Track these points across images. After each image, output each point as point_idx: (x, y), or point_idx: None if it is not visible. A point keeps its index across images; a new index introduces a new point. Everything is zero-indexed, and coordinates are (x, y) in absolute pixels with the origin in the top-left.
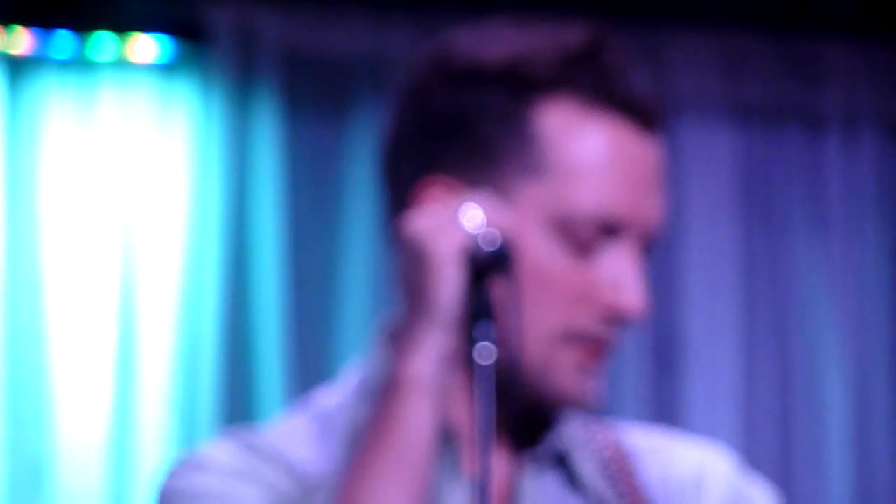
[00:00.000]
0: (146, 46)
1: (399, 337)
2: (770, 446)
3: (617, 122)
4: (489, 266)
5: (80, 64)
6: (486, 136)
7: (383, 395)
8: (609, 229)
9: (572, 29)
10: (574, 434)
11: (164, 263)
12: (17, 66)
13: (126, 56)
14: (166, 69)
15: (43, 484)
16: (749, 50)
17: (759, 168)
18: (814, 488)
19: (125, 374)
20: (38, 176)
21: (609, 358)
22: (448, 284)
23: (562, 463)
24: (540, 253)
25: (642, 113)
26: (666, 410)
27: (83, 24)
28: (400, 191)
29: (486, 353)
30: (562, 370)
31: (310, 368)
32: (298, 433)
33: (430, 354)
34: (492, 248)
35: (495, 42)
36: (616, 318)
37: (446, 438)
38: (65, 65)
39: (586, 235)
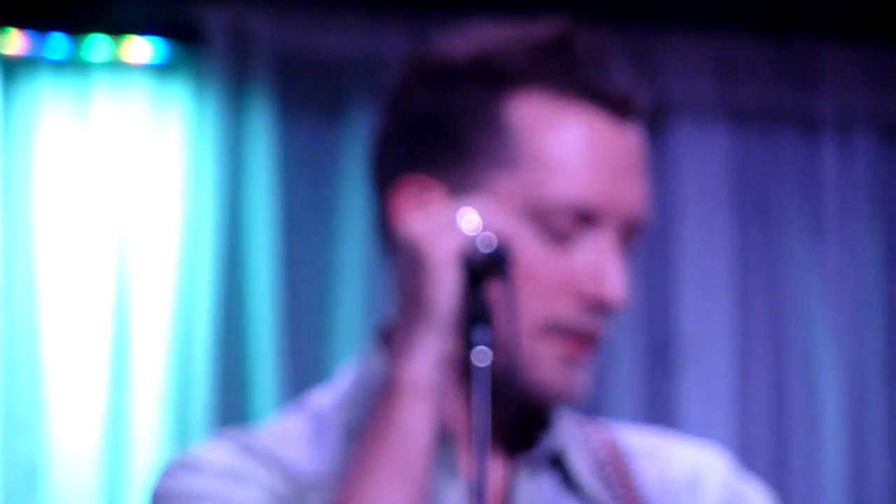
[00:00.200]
0: (140, 48)
1: (396, 340)
2: (764, 445)
3: (590, 112)
4: (486, 269)
5: (75, 65)
6: (460, 132)
7: (381, 399)
8: (586, 218)
9: (544, 22)
10: (569, 434)
11: (158, 265)
12: (12, 67)
13: (120, 57)
14: (160, 70)
15: (37, 486)
16: (744, 53)
17: (754, 171)
18: (808, 487)
19: (119, 376)
20: (33, 177)
21: (597, 351)
22: (445, 287)
23: (557, 464)
24: (517, 245)
25: (617, 102)
26: (661, 409)
27: (77, 25)
28: (383, 191)
29: (482, 356)
30: (546, 363)
31: (304, 369)
32: (292, 434)
33: (428, 357)
34: (488, 252)
35: (467, 40)
36: (597, 307)
37: (443, 439)
38: (59, 66)
39: (563, 225)
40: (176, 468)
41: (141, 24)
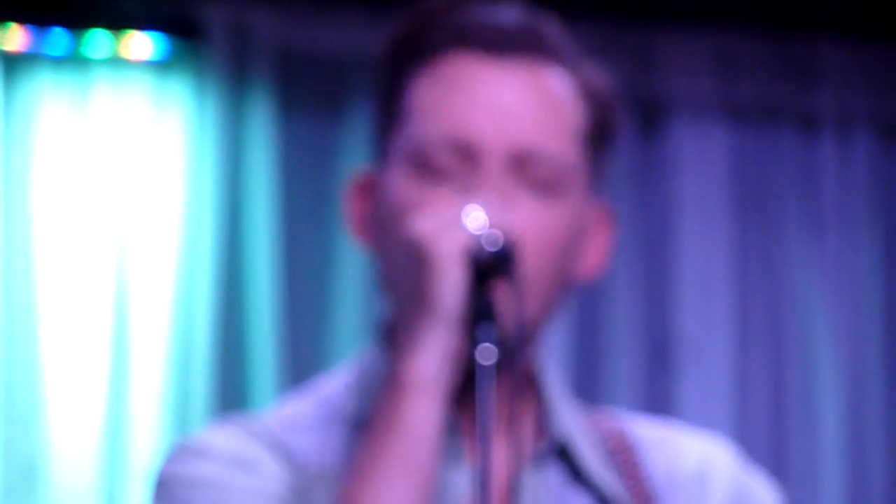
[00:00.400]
0: (140, 44)
1: (401, 336)
2: (763, 443)
3: (461, 56)
4: (491, 267)
5: (75, 61)
6: (379, 117)
7: (386, 394)
8: (464, 152)
9: None
10: (576, 424)
11: (157, 261)
12: (12, 63)
13: (120, 53)
14: (160, 67)
15: (36, 482)
16: (743, 50)
17: (753, 169)
18: (807, 484)
19: (118, 371)
20: (33, 172)
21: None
22: (451, 285)
23: (563, 455)
24: (397, 187)
25: (490, 41)
26: (660, 407)
27: (78, 21)
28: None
29: (487, 353)
30: None
31: (303, 365)
32: (299, 420)
33: (434, 354)
34: (494, 250)
35: (390, 29)
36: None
37: (449, 427)
38: (59, 61)
39: (446, 163)
40: (182, 453)
41: (141, 19)
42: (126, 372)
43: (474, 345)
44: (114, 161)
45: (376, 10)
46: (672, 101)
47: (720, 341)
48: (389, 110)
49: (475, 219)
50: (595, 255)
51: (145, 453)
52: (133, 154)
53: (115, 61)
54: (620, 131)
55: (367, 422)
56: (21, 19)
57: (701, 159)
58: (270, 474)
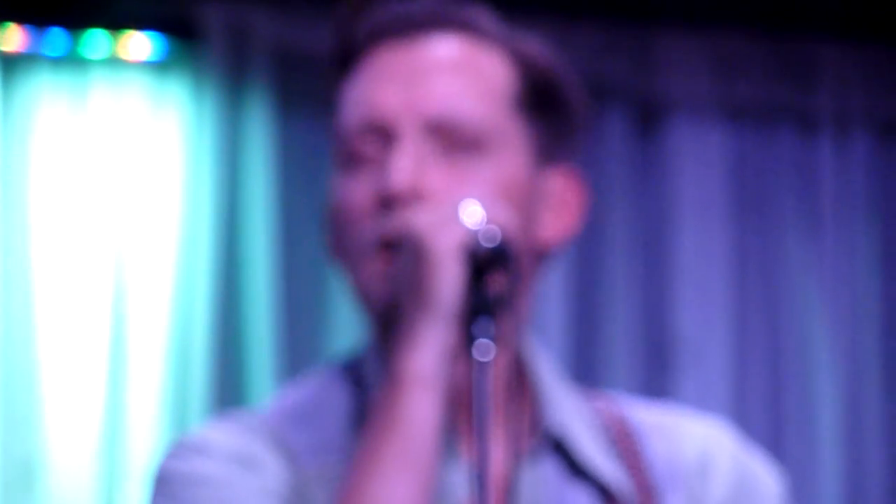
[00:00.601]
0: (138, 44)
1: (399, 331)
2: (762, 442)
3: (381, 48)
4: (489, 263)
5: (73, 61)
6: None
7: (385, 390)
8: (380, 133)
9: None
10: (575, 413)
11: (155, 261)
12: (10, 63)
13: (118, 53)
14: (159, 67)
15: (34, 481)
16: (741, 50)
17: (750, 169)
18: (806, 482)
19: (116, 371)
20: (31, 172)
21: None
22: (448, 280)
23: (561, 448)
24: (336, 190)
25: (396, 27)
26: None
27: (76, 22)
28: None
29: (484, 349)
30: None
31: (301, 364)
32: (298, 415)
33: (432, 349)
34: (492, 245)
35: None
36: (385, 203)
37: (446, 426)
38: (58, 62)
39: (364, 149)
40: (182, 450)
41: (139, 20)
42: (124, 371)
43: (471, 341)
44: (112, 161)
45: None
46: (670, 101)
47: (718, 341)
48: (334, 124)
49: (472, 214)
50: (561, 220)
51: (143, 453)
52: (131, 154)
53: (114, 61)
54: (573, 100)
55: (364, 416)
56: (19, 19)
57: (699, 159)
58: (270, 472)
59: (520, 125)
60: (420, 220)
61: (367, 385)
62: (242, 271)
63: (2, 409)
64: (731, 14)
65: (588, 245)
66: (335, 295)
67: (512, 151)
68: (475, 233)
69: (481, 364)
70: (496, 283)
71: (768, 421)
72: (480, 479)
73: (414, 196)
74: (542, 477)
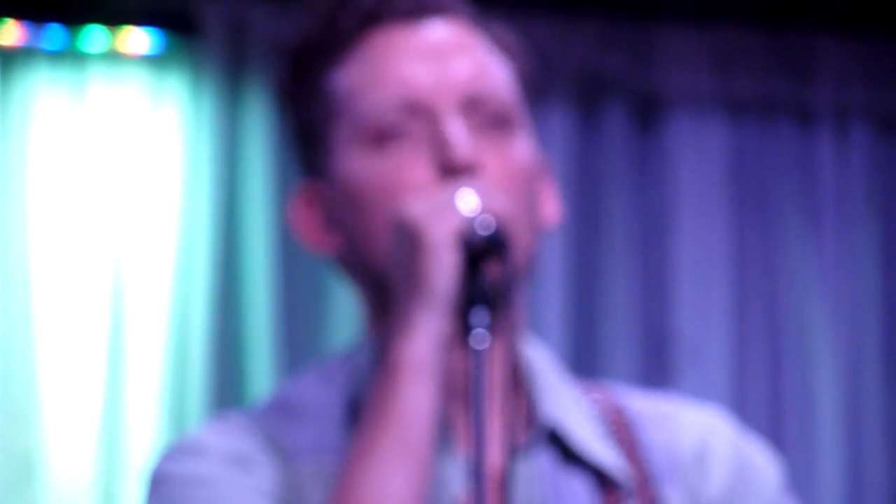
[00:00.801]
0: (137, 38)
1: (394, 320)
2: (761, 439)
3: (385, 31)
4: (484, 251)
5: (71, 56)
6: (310, 121)
7: (380, 379)
8: (415, 110)
9: None
10: (570, 403)
11: (154, 256)
12: (9, 58)
13: (117, 48)
14: (157, 61)
15: (33, 478)
16: (740, 45)
17: (750, 163)
18: (805, 481)
19: (115, 367)
20: (29, 167)
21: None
22: (444, 269)
23: (555, 439)
24: (362, 171)
25: (407, 11)
26: None
27: (74, 16)
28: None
29: (480, 338)
30: None
31: (299, 361)
32: (293, 412)
33: (427, 337)
34: (487, 233)
35: (294, 38)
36: (450, 171)
37: (441, 420)
38: (56, 56)
39: (400, 125)
40: (177, 451)
41: (137, 14)
42: (123, 368)
43: (468, 330)
44: (110, 156)
45: None
46: (669, 95)
47: (717, 338)
48: (315, 115)
49: (468, 202)
50: (550, 203)
51: (142, 450)
52: (129, 149)
53: (112, 56)
54: (539, 94)
55: (358, 412)
56: (18, 14)
57: (698, 154)
58: (265, 471)
59: (522, 107)
60: (416, 207)
61: (360, 380)
62: (241, 266)
63: (1, 405)
64: (730, 8)
65: (586, 240)
66: (334, 289)
67: (526, 131)
68: (471, 221)
69: (477, 353)
70: (492, 271)
71: (768, 416)
72: (477, 470)
73: (475, 167)
74: (537, 469)
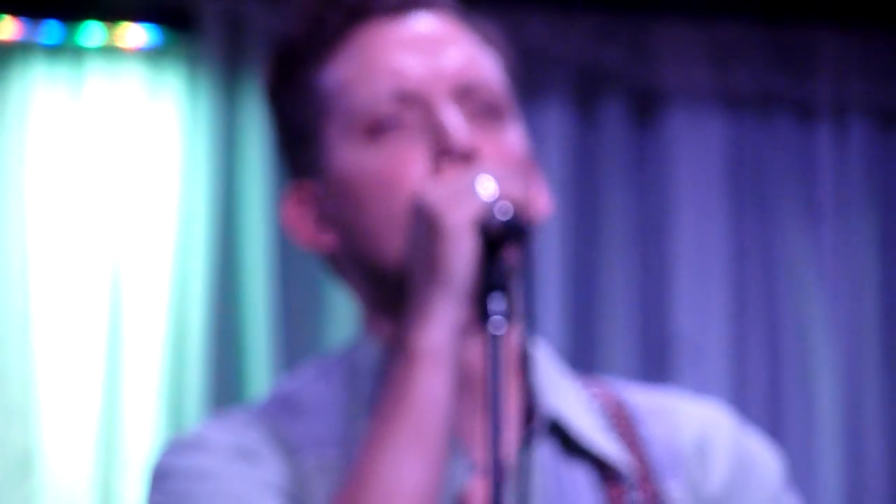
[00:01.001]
0: (134, 33)
1: (411, 306)
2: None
3: (373, 26)
4: (502, 237)
5: (69, 50)
6: (300, 121)
7: (396, 366)
8: (409, 100)
9: None
10: (571, 397)
11: (152, 252)
12: (6, 53)
13: (114, 43)
14: (154, 56)
15: (31, 474)
16: (739, 39)
17: (749, 158)
18: (805, 478)
19: (113, 364)
20: (27, 162)
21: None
22: (462, 254)
23: (557, 430)
24: (359, 163)
25: (392, 6)
26: None
27: (71, 11)
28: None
29: (498, 325)
30: None
31: (297, 357)
32: (296, 407)
33: (444, 324)
34: (506, 219)
35: (279, 39)
36: (448, 158)
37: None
38: (53, 51)
39: (395, 115)
40: (180, 446)
41: (135, 9)
42: (120, 364)
43: (486, 316)
44: (108, 151)
45: None
46: (668, 89)
47: (716, 333)
48: (305, 113)
49: (486, 188)
50: (541, 196)
51: (140, 446)
52: (127, 144)
53: (109, 51)
54: (526, 89)
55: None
56: (15, 9)
57: (697, 148)
58: (270, 465)
59: (512, 99)
60: (434, 193)
61: (361, 374)
62: (239, 261)
63: None
64: (729, 2)
65: (584, 234)
66: (332, 289)
67: (517, 122)
68: (489, 206)
69: (496, 338)
70: (510, 257)
71: (767, 413)
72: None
73: (474, 153)
74: (540, 461)
